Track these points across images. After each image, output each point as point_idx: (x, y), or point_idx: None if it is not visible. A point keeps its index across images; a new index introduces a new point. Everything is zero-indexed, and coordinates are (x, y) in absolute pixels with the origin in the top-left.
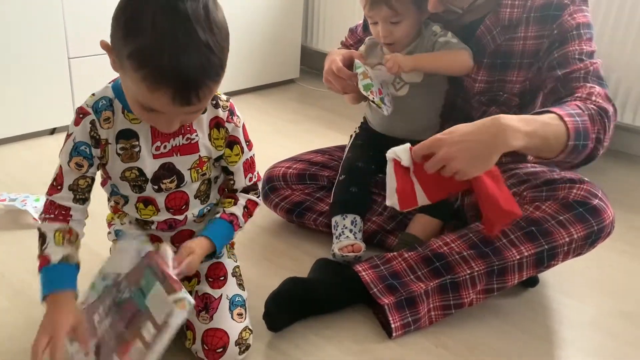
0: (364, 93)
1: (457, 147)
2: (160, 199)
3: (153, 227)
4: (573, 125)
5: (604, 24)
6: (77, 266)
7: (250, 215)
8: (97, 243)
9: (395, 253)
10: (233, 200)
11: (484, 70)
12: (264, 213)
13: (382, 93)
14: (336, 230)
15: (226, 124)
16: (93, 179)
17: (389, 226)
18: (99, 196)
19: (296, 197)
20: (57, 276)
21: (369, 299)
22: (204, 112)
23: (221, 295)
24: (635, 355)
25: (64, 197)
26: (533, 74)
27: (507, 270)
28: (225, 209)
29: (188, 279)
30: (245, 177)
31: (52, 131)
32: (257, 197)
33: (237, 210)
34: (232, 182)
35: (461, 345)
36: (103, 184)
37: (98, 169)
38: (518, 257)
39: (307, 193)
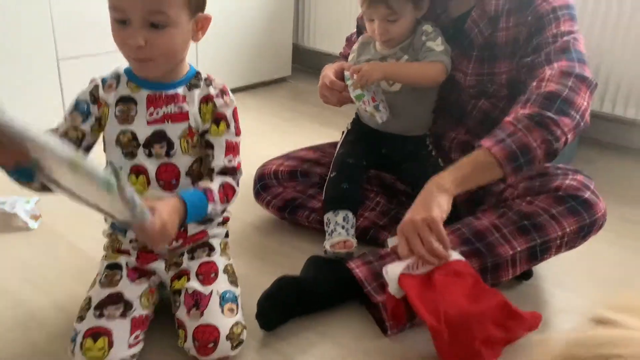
0: (357, 103)
1: (405, 223)
2: (152, 167)
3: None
4: (503, 151)
5: (594, 16)
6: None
7: (228, 200)
8: (92, 248)
9: (388, 249)
10: (209, 179)
11: (474, 63)
12: (256, 211)
13: (376, 100)
14: (328, 227)
15: (215, 99)
16: (84, 135)
17: (382, 222)
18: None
19: (288, 194)
20: None
21: (362, 296)
22: (195, 88)
23: (212, 291)
24: None
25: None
26: (517, 63)
27: (501, 267)
28: (199, 183)
29: (178, 277)
30: (225, 157)
31: None
32: (236, 184)
33: (213, 185)
34: (210, 157)
35: None
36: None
37: (93, 130)
38: (511, 252)
39: (299, 190)
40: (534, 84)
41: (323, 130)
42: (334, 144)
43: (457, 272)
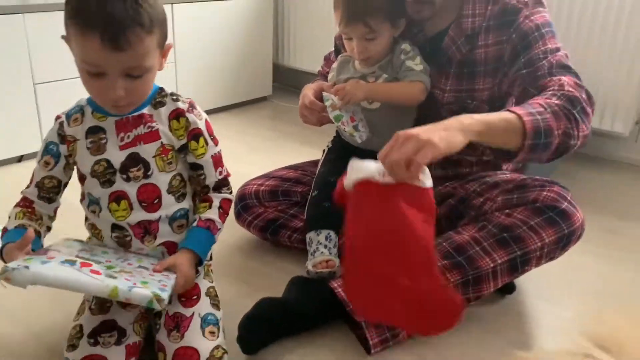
0: (336, 124)
1: (410, 131)
2: (132, 191)
3: (132, 236)
4: (532, 124)
5: (570, 29)
6: (36, 233)
7: (227, 214)
8: None
9: None
10: (207, 203)
11: (452, 80)
12: (237, 232)
13: (355, 120)
14: (311, 246)
15: (187, 114)
16: (60, 182)
17: None
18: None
19: (269, 214)
20: (11, 235)
21: (345, 315)
22: (161, 106)
23: (193, 313)
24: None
25: (30, 192)
26: (500, 79)
27: (482, 279)
28: (200, 215)
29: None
30: (216, 171)
31: (20, 159)
32: (230, 194)
33: (213, 214)
34: (202, 176)
35: (441, 357)
36: (82, 199)
37: (66, 170)
38: (492, 265)
39: (280, 210)
40: (555, 87)
41: (304, 149)
42: (315, 163)
43: (418, 205)
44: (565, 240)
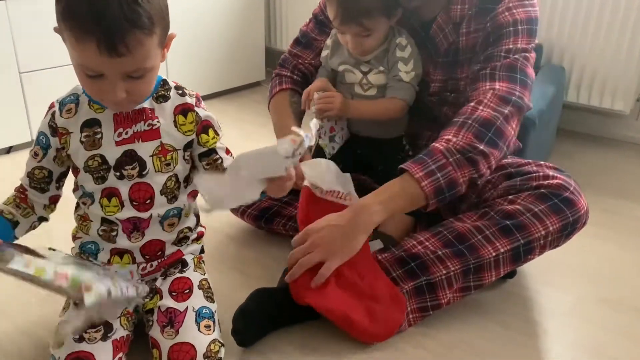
0: (313, 130)
1: (319, 234)
2: (124, 188)
3: (119, 230)
4: (432, 187)
5: (568, 7)
6: (11, 222)
7: None
8: None
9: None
10: None
11: (440, 69)
12: (231, 221)
13: (335, 130)
14: None
15: (196, 109)
16: (50, 173)
17: None
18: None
19: (263, 202)
20: None
21: None
22: (165, 100)
23: (187, 307)
24: (616, 341)
25: (24, 180)
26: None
27: (484, 268)
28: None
29: (150, 296)
30: (228, 155)
31: (8, 150)
32: None
33: None
34: (219, 160)
35: (440, 345)
36: (74, 189)
37: (56, 161)
38: (494, 254)
39: (274, 198)
40: (472, 104)
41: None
42: (310, 149)
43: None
44: (569, 228)
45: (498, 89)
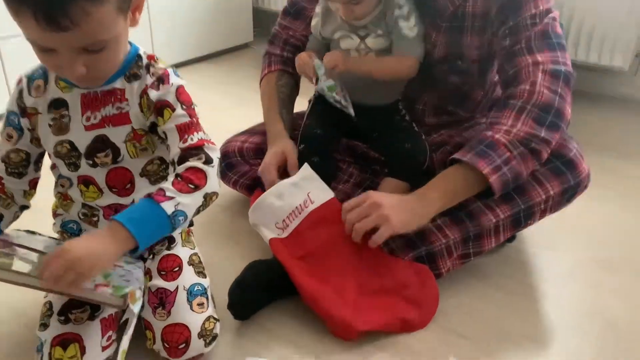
0: (328, 94)
1: (382, 197)
2: (100, 177)
3: (100, 216)
4: (500, 182)
5: None
6: None
7: (192, 184)
8: None
9: None
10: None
11: (442, 34)
12: (223, 191)
13: (344, 91)
14: None
15: (149, 91)
16: (28, 155)
17: (356, 194)
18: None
19: (255, 172)
20: None
21: None
22: (136, 79)
23: (177, 287)
24: (615, 303)
25: None
26: (487, 40)
27: (483, 235)
28: None
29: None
30: (180, 140)
31: None
32: (206, 163)
33: (166, 183)
34: (168, 148)
35: (440, 312)
36: (52, 167)
37: (33, 142)
38: (494, 220)
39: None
40: (526, 87)
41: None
42: (301, 115)
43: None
44: (570, 192)
45: (542, 62)
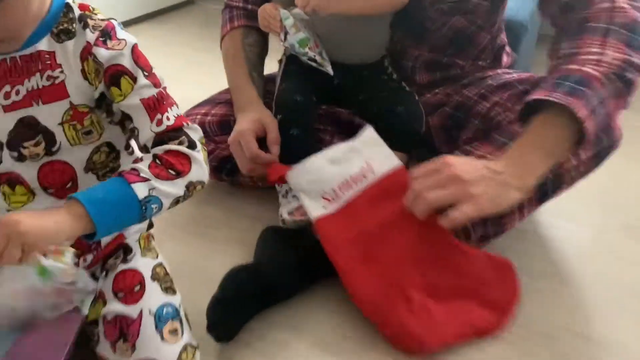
0: (300, 51)
1: (463, 168)
2: (29, 173)
3: None
4: (593, 128)
5: None
6: None
7: (174, 169)
8: None
9: None
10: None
11: None
12: None
13: (319, 46)
14: (281, 187)
15: (94, 49)
16: None
17: None
18: None
19: (223, 150)
20: None
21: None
22: (68, 37)
23: (141, 311)
24: None
25: None
26: None
27: (506, 214)
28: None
29: (93, 304)
30: (152, 121)
31: None
32: (191, 147)
33: (141, 164)
34: (136, 131)
35: None
36: None
37: None
38: None
39: None
40: (604, 5)
41: None
42: (271, 77)
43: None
44: (603, 154)
45: None
